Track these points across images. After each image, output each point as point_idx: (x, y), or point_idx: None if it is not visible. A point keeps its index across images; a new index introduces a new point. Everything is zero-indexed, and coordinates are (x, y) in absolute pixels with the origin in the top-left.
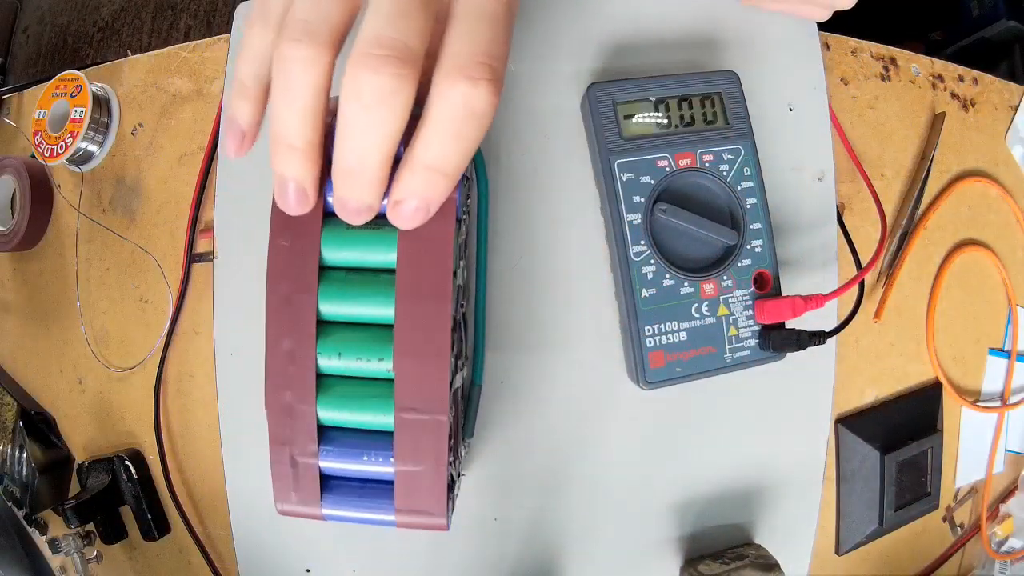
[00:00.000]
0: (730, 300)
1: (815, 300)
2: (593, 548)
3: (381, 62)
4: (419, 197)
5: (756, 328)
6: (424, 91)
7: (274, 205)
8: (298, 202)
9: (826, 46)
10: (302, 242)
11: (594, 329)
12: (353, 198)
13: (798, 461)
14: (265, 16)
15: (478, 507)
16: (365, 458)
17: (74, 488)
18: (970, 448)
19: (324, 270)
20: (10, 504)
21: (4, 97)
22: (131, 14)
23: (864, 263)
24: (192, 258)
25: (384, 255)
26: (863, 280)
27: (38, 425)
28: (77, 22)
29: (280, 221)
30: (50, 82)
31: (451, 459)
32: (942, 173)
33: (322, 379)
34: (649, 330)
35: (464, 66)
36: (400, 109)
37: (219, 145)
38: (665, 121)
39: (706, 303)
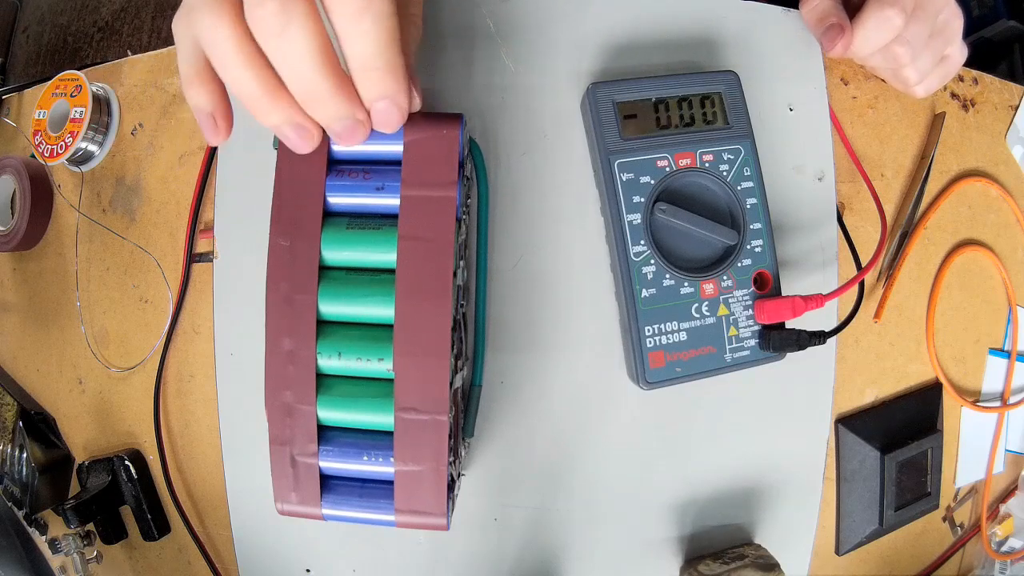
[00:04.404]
0: (730, 300)
1: (815, 300)
2: (593, 548)
3: None
4: (378, 97)
5: (756, 328)
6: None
7: (274, 202)
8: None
9: None
10: (302, 242)
11: (594, 329)
12: (327, 117)
13: (798, 461)
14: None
15: (478, 507)
16: (365, 458)
17: (74, 488)
18: (970, 448)
19: (324, 270)
20: (10, 504)
21: (4, 97)
22: (131, 14)
23: (864, 263)
24: (192, 258)
25: (384, 255)
26: (863, 280)
27: (38, 425)
28: (77, 22)
29: (280, 221)
30: (50, 82)
31: (451, 459)
32: (942, 173)
33: (322, 379)
34: (649, 330)
35: None
36: (301, 19)
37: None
38: (665, 121)
39: (706, 303)
